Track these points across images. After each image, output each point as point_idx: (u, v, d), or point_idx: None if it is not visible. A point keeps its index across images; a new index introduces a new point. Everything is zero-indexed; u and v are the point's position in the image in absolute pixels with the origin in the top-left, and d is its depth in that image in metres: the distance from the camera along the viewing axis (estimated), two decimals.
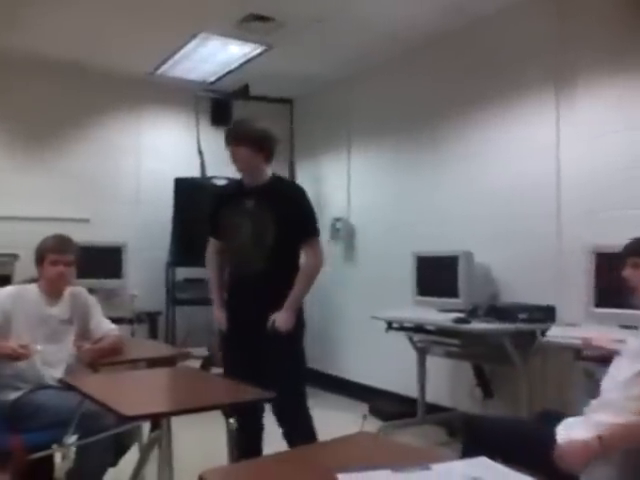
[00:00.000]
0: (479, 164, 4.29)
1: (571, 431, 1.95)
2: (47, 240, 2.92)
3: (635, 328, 2.22)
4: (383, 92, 5.23)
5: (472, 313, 3.68)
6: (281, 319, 2.89)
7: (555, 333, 3.12)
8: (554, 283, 3.71)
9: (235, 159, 2.97)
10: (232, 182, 3.31)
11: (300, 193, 3.08)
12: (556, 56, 3.77)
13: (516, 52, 4.03)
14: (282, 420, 2.96)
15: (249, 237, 2.93)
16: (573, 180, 3.67)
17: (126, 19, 4.34)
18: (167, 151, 5.89)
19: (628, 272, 2.23)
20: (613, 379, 2.04)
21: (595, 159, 3.56)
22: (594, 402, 2.05)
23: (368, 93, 5.40)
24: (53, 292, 2.91)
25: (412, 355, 4.32)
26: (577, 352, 2.98)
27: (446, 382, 4.42)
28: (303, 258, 3.03)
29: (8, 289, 2.90)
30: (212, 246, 3.16)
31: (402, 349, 4.35)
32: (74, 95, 5.46)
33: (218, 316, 3.09)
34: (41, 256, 2.89)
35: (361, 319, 4.85)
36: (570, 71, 3.70)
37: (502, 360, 3.60)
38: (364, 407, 4.78)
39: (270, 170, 3.06)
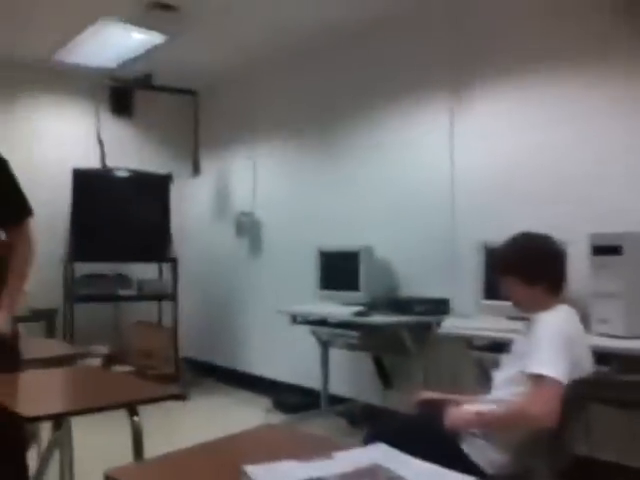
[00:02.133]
0: (379, 161, 4.42)
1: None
2: None
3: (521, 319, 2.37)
4: (286, 86, 5.27)
5: (372, 306, 3.82)
6: (2, 321, 2.28)
7: (449, 324, 3.29)
8: (449, 277, 3.89)
9: None
10: None
11: (3, 163, 2.54)
12: (454, 58, 3.94)
13: (416, 52, 4.17)
14: None
15: None
16: (466, 177, 3.86)
17: (20, 2, 4.13)
18: (64, 140, 5.65)
19: (503, 289, 2.23)
20: (502, 377, 2.20)
21: (486, 158, 3.76)
22: (488, 397, 2.20)
23: (272, 86, 5.43)
24: None
25: (315, 348, 4.41)
26: (469, 342, 3.17)
27: (348, 374, 4.54)
28: None
29: None
30: None
31: (306, 342, 4.43)
32: None
33: None
34: None
35: (266, 313, 4.90)
36: (464, 74, 3.88)
37: (400, 351, 3.76)
38: (268, 401, 4.84)
39: None
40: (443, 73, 4.01)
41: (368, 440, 1.96)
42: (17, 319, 2.33)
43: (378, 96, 4.45)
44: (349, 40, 4.64)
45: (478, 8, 3.80)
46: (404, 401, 2.89)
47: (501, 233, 2.36)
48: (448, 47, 3.97)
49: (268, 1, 4.13)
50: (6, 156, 5.77)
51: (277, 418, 4.25)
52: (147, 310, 5.76)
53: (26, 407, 1.71)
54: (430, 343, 3.70)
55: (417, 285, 4.07)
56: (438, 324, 3.36)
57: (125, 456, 1.82)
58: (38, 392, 1.97)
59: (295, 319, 4.19)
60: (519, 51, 3.59)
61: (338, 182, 4.75)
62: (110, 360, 5.00)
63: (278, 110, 5.38)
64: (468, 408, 2.13)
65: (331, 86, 4.82)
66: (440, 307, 3.75)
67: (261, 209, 5.53)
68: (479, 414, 2.05)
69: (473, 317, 3.40)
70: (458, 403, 2.20)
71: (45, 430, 2.33)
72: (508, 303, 2.29)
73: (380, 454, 1.54)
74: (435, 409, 2.19)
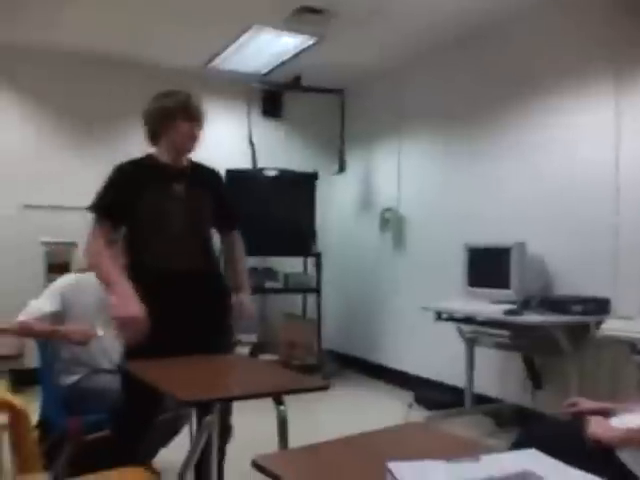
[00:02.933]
0: (533, 153, 4.21)
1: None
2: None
3: None
4: (435, 81, 5.17)
5: (524, 305, 3.64)
6: (248, 301, 2.69)
7: (610, 326, 3.05)
8: (609, 275, 3.62)
9: (197, 138, 2.63)
10: (140, 158, 2.65)
11: (220, 176, 2.91)
12: (616, 42, 3.65)
13: (575, 39, 3.92)
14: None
15: (183, 227, 2.51)
16: (632, 169, 3.57)
17: (179, 12, 4.41)
18: (219, 143, 5.96)
19: None
20: None
21: None
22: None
23: (419, 82, 5.36)
24: None
25: (460, 345, 4.29)
26: (632, 346, 2.92)
27: (494, 373, 4.37)
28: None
29: (69, 277, 3.01)
30: (103, 235, 2.45)
31: (450, 339, 4.33)
32: (129, 88, 5.57)
33: (133, 309, 2.25)
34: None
35: (410, 308, 4.85)
36: (629, 58, 3.58)
37: (553, 352, 3.55)
38: (410, 396, 4.79)
39: None
40: (604, 59, 3.72)
41: (519, 444, 1.86)
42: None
43: (529, 88, 4.23)
44: (497, 32, 4.46)
45: None
46: (556, 404, 2.72)
47: None
48: (608, 30, 3.67)
49: (411, 0, 4.08)
50: None
51: (419, 414, 4.19)
52: (292, 302, 5.96)
53: (182, 392, 1.81)
54: (587, 345, 3.45)
55: (573, 283, 3.82)
56: (597, 325, 3.13)
57: (271, 443, 1.88)
58: (194, 377, 2.08)
59: (440, 315, 4.10)
60: None
61: (485, 176, 4.58)
62: (257, 349, 5.21)
63: (424, 106, 5.30)
64: (618, 422, 1.92)
65: (479, 80, 4.66)
66: (600, 307, 3.49)
67: (406, 205, 5.48)
68: (631, 432, 1.84)
69: (637, 319, 3.12)
70: (613, 412, 2.01)
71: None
72: None
73: (531, 460, 1.44)
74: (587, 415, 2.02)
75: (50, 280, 3.26)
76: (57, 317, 2.80)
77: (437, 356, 4.83)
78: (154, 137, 2.61)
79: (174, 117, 2.55)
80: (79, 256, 4.35)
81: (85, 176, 5.38)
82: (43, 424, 2.78)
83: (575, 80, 3.91)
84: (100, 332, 2.84)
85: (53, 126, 5.37)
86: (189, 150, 2.64)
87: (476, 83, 4.70)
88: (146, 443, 2.58)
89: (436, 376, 4.89)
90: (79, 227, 4.28)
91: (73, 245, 4.73)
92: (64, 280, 2.95)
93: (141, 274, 2.41)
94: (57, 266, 4.66)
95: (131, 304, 2.25)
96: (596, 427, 1.90)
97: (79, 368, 2.83)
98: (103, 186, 2.53)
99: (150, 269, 2.46)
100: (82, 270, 3.10)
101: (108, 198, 2.50)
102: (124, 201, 2.47)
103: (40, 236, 4.83)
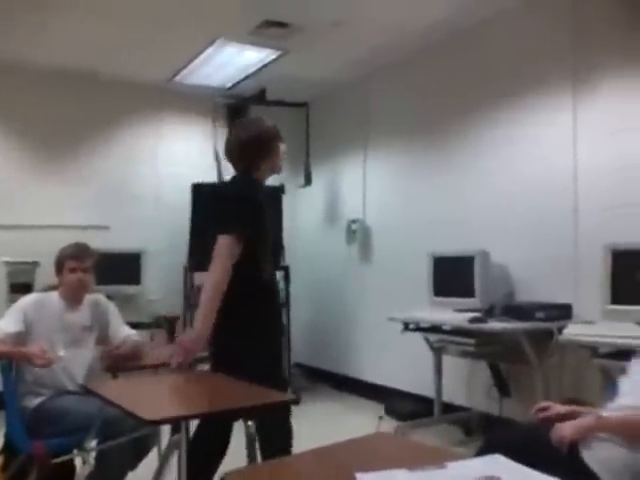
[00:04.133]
0: (494, 163, 4.29)
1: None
2: (65, 248, 2.98)
3: None
4: (398, 93, 5.24)
5: (488, 312, 3.69)
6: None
7: (572, 331, 3.11)
8: (571, 281, 3.70)
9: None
10: (255, 182, 2.74)
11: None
12: (573, 53, 3.75)
13: (532, 50, 4.02)
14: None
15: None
16: (590, 177, 3.66)
17: (142, 27, 4.41)
18: (185, 157, 5.96)
19: None
20: (633, 383, 2.04)
21: (612, 156, 3.54)
22: (611, 405, 2.05)
23: (383, 94, 5.42)
24: (74, 299, 2.96)
25: (428, 355, 4.33)
26: (594, 350, 2.98)
27: (462, 382, 4.42)
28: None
29: (30, 297, 2.96)
30: (234, 257, 2.49)
31: (418, 349, 4.36)
32: (92, 103, 5.55)
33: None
34: (60, 264, 2.95)
35: (377, 320, 4.87)
36: (587, 68, 3.68)
37: (518, 359, 3.60)
38: (380, 407, 4.80)
39: None
40: (563, 65, 3.82)
41: (484, 450, 1.88)
42: None
43: (489, 94, 4.32)
44: (460, 42, 4.55)
45: None
46: (523, 411, 2.76)
47: (629, 234, 2.20)
48: (566, 35, 3.78)
49: (376, 10, 4.13)
50: (133, 173, 6.24)
51: (390, 425, 4.20)
52: None
53: (147, 411, 1.79)
54: (551, 350, 3.51)
55: (536, 290, 3.89)
56: (560, 330, 3.19)
57: (239, 459, 1.87)
58: (160, 396, 2.06)
59: (407, 326, 4.13)
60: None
61: (449, 185, 4.65)
62: None
63: (388, 117, 5.36)
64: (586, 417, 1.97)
65: (443, 91, 4.74)
66: (562, 313, 3.56)
67: (371, 216, 5.52)
68: (601, 418, 1.91)
69: (598, 323, 3.19)
70: (582, 415, 2.06)
71: (165, 432, 2.45)
72: (638, 307, 2.13)
73: (497, 466, 1.47)
74: (556, 421, 2.06)
75: (12, 300, 3.20)
76: (20, 337, 2.75)
77: (406, 366, 4.86)
78: (254, 163, 2.72)
79: (276, 140, 2.81)
80: (42, 275, 4.28)
81: (47, 194, 5.32)
82: (8, 448, 2.72)
83: (535, 90, 4.00)
84: (61, 352, 2.79)
85: (12, 142, 5.28)
86: (280, 170, 2.90)
87: (439, 94, 4.77)
88: (114, 466, 2.55)
89: (405, 387, 4.91)
90: (41, 246, 4.26)
91: (35, 264, 4.64)
92: (26, 300, 2.90)
93: (265, 291, 2.61)
94: (19, 286, 4.57)
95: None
96: (563, 426, 1.93)
97: (43, 390, 2.78)
98: (241, 211, 2.58)
99: (270, 286, 2.65)
100: (45, 289, 3.06)
101: (248, 222, 2.54)
102: (257, 226, 2.57)
103: (1, 256, 4.73)
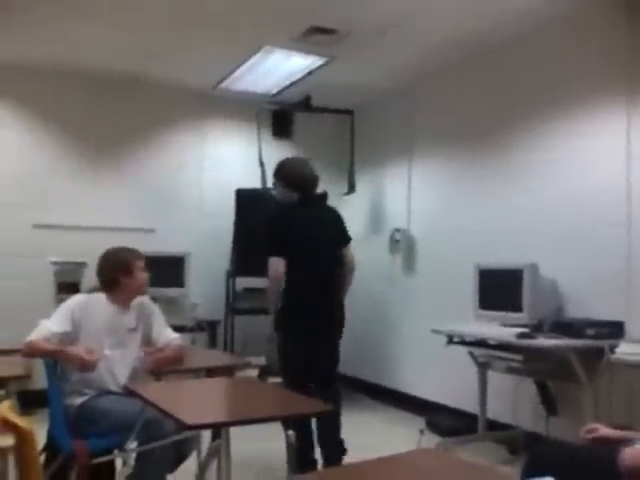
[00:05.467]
0: (544, 173, 4.18)
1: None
2: (125, 251, 3.04)
3: None
4: (445, 101, 5.17)
5: (537, 328, 3.58)
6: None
7: (624, 350, 2.99)
8: (623, 297, 3.56)
9: None
10: None
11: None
12: (628, 65, 3.64)
13: (585, 60, 3.91)
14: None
15: None
16: None
17: (189, 34, 4.44)
18: (229, 163, 6.00)
19: None
20: None
21: None
22: None
23: (429, 102, 5.36)
24: (125, 301, 3.00)
25: (472, 370, 4.23)
26: None
27: (508, 398, 4.29)
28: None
29: (78, 297, 2.99)
30: None
31: (462, 363, 4.26)
32: (140, 108, 5.63)
33: None
34: (129, 264, 2.99)
35: (421, 332, 4.78)
36: None
37: (567, 377, 3.48)
38: (421, 421, 4.71)
39: None
40: (618, 80, 3.69)
41: (528, 468, 1.80)
42: None
43: (538, 104, 4.22)
44: (508, 50, 4.46)
45: None
46: (571, 431, 2.66)
47: None
48: (621, 46, 3.66)
49: (424, 17, 4.08)
50: (178, 178, 6.31)
51: (431, 440, 4.11)
52: None
53: (188, 415, 1.78)
54: (602, 370, 3.38)
55: (586, 306, 3.76)
56: (612, 349, 3.07)
57: (279, 469, 1.84)
58: (201, 400, 2.05)
59: (451, 339, 4.04)
60: None
61: (496, 196, 4.55)
62: (265, 372, 5.16)
63: (434, 126, 5.29)
64: None
65: (492, 100, 4.65)
66: (613, 330, 3.42)
67: (416, 225, 5.45)
68: None
69: None
70: (633, 440, 1.95)
71: (206, 437, 2.44)
72: None
73: None
74: (608, 444, 1.96)
75: (60, 300, 3.25)
76: (67, 337, 2.79)
77: (449, 381, 4.76)
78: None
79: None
80: (88, 275, 4.35)
81: (94, 196, 5.43)
82: (50, 447, 2.75)
83: (587, 101, 3.89)
84: (106, 352, 2.82)
85: (62, 145, 5.39)
86: None
87: (488, 103, 4.69)
88: (153, 469, 2.55)
89: (448, 401, 4.81)
90: (88, 247, 4.33)
91: (83, 265, 4.72)
92: (74, 300, 2.94)
93: None
94: (67, 286, 4.65)
95: None
96: (631, 454, 1.82)
97: (87, 389, 2.81)
98: None
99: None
100: (91, 290, 3.09)
101: None
102: None
103: (49, 256, 4.83)
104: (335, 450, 3.55)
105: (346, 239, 3.92)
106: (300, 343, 3.60)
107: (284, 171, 3.82)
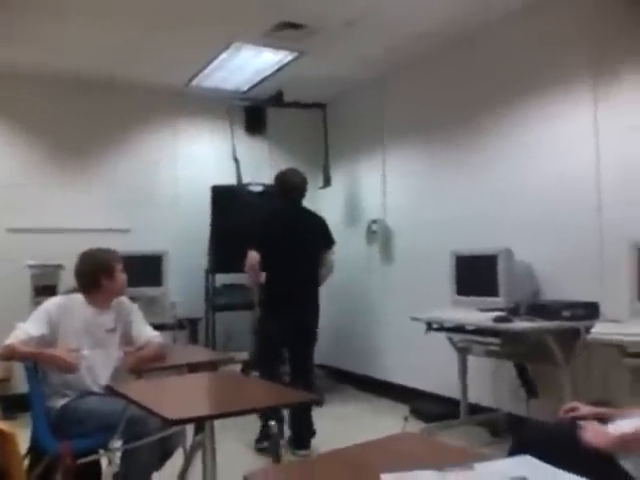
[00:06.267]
0: (515, 160, 4.24)
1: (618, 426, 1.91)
2: (104, 252, 3.03)
3: None
4: (416, 91, 5.21)
5: (513, 311, 3.63)
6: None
7: (599, 330, 3.05)
8: (596, 278, 3.63)
9: None
10: None
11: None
12: (593, 47, 3.70)
13: (552, 45, 3.96)
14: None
15: None
16: (614, 172, 3.59)
17: (158, 32, 4.41)
18: (203, 160, 5.98)
19: None
20: None
21: (635, 150, 3.47)
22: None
23: (401, 93, 5.39)
24: (104, 302, 2.98)
25: (453, 355, 4.28)
26: (623, 349, 2.92)
27: (488, 382, 4.36)
28: None
29: (55, 299, 2.98)
30: None
31: (442, 350, 4.32)
32: (110, 108, 5.59)
33: None
34: (110, 267, 2.98)
35: (400, 320, 4.83)
36: (608, 62, 3.62)
37: (545, 358, 3.54)
38: (405, 409, 4.76)
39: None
40: (583, 59, 3.76)
41: (514, 451, 1.84)
42: None
43: (506, 92, 4.27)
44: (478, 40, 4.50)
45: None
46: (551, 412, 2.71)
47: None
48: (587, 31, 3.72)
49: (392, 8, 4.10)
50: (152, 177, 6.29)
51: (415, 426, 4.16)
52: None
53: (171, 411, 1.79)
54: (579, 350, 3.45)
55: (561, 289, 3.83)
56: (587, 330, 3.13)
57: (263, 459, 1.86)
58: (184, 396, 2.05)
59: (430, 326, 4.09)
60: None
61: (470, 184, 4.61)
62: (249, 366, 5.17)
63: (407, 116, 5.33)
64: (613, 428, 1.88)
65: (462, 89, 4.69)
66: (588, 311, 3.49)
67: (392, 216, 5.49)
68: (624, 436, 1.80)
69: (626, 322, 3.12)
70: (610, 417, 2.00)
71: (191, 433, 2.45)
72: None
73: (527, 467, 1.44)
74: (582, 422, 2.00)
75: (37, 303, 3.23)
76: (45, 340, 2.77)
77: (430, 367, 4.81)
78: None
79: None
80: (66, 278, 4.31)
81: (68, 198, 5.37)
82: (34, 449, 2.74)
83: (556, 86, 3.95)
84: (85, 352, 2.81)
85: (34, 148, 5.33)
86: None
87: (458, 92, 4.73)
88: (139, 466, 2.55)
89: (431, 387, 4.86)
90: (64, 249, 4.30)
91: (59, 267, 4.69)
92: (51, 302, 2.92)
93: None
94: (44, 288, 4.62)
95: None
96: (589, 433, 1.87)
97: (68, 391, 2.80)
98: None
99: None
100: (69, 291, 3.08)
101: None
102: None
103: (25, 259, 4.79)
104: (307, 431, 3.92)
105: (329, 242, 4.40)
106: (275, 316, 4.10)
107: (278, 179, 4.37)
